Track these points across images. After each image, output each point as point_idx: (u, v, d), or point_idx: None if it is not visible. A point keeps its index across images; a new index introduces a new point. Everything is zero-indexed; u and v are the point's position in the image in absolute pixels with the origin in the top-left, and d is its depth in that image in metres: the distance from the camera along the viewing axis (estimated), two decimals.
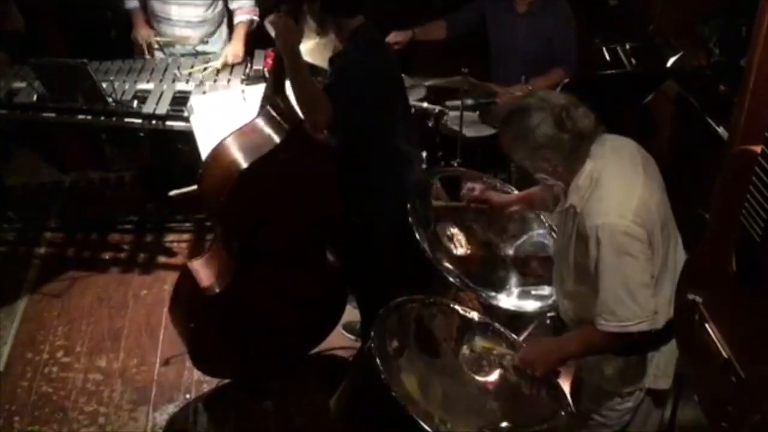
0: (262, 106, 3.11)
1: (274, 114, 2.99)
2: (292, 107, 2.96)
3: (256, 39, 4.31)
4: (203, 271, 3.21)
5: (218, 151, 3.00)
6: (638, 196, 2.17)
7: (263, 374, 3.46)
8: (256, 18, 4.30)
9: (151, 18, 4.35)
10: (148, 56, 4.26)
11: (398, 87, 3.18)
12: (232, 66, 4.17)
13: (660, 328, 2.28)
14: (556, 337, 2.58)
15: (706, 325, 1.86)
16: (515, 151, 2.27)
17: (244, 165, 2.88)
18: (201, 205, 3.24)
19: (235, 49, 4.23)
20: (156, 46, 4.32)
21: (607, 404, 2.45)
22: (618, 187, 2.19)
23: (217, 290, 3.11)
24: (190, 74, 4.08)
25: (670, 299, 2.25)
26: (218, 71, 4.13)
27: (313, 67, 3.50)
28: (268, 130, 2.97)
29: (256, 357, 3.35)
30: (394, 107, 3.10)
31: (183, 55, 4.33)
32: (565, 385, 2.54)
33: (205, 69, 4.11)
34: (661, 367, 2.38)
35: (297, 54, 2.83)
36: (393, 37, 4.13)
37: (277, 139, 2.92)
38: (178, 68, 4.11)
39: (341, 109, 2.88)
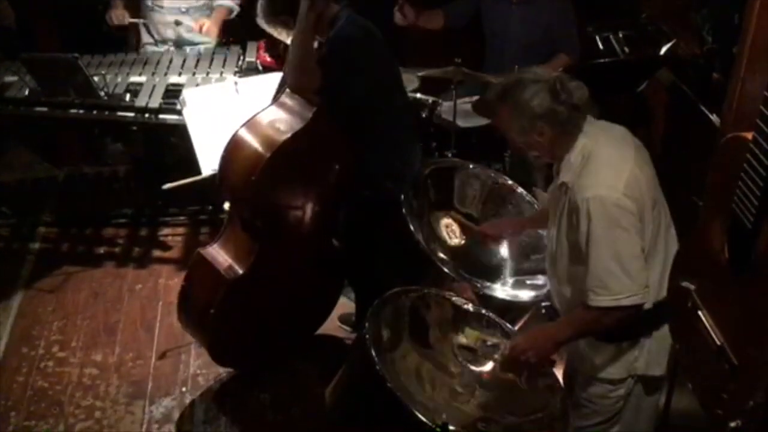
0: (282, 87, 3.16)
1: (295, 95, 3.06)
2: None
3: (248, 31, 4.30)
4: (220, 257, 3.22)
5: (243, 134, 3.05)
6: (629, 170, 2.20)
7: (272, 360, 3.47)
8: (236, 8, 4.35)
9: (142, 8, 4.35)
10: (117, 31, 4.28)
11: (390, 60, 3.20)
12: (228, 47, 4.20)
13: (650, 312, 2.28)
14: (548, 323, 2.58)
15: (699, 313, 1.86)
16: (512, 124, 2.29)
17: (277, 143, 2.94)
18: (221, 188, 3.25)
19: (209, 27, 4.31)
20: (126, 22, 4.33)
21: (599, 392, 2.45)
22: (609, 161, 2.22)
23: (241, 272, 3.14)
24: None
25: (660, 281, 2.26)
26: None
27: None
28: (295, 110, 3.04)
29: (269, 342, 3.38)
30: (387, 76, 3.14)
31: (175, 41, 4.35)
32: (559, 374, 2.54)
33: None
34: (653, 353, 2.38)
35: (312, 19, 2.88)
36: (406, 10, 4.11)
37: (304, 118, 2.98)
38: (171, 60, 4.12)
39: (338, 79, 2.94)
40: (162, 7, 4.31)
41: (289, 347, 3.50)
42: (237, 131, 3.06)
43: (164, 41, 4.41)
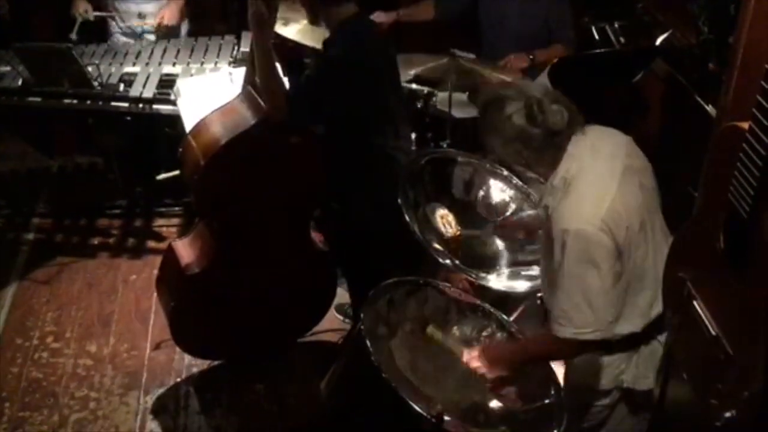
0: (243, 87, 3.11)
1: (254, 94, 2.99)
2: None
3: (242, 21, 4.27)
4: (185, 251, 3.23)
5: (197, 131, 3.03)
6: (609, 201, 2.13)
7: (248, 356, 3.47)
8: None
9: None
10: (75, 36, 4.19)
11: (387, 79, 3.11)
12: (167, 30, 4.22)
13: (638, 334, 2.27)
14: (508, 344, 2.57)
15: (694, 302, 1.86)
16: (490, 141, 2.25)
17: (220, 144, 2.90)
18: (183, 184, 3.24)
19: (171, 10, 4.28)
20: (91, 17, 4.28)
21: (584, 400, 2.43)
22: (590, 192, 2.15)
23: (197, 270, 3.14)
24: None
25: (651, 303, 2.25)
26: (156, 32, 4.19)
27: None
28: (246, 110, 2.98)
29: (241, 339, 3.37)
30: (378, 101, 3.05)
31: (143, 33, 4.33)
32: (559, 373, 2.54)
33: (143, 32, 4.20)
34: (641, 368, 2.35)
35: (266, 46, 2.79)
36: (376, 17, 4.09)
37: (253, 118, 2.92)
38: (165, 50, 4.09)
39: (322, 98, 2.87)
40: None
41: (277, 344, 3.51)
42: (192, 128, 3.04)
43: (132, 32, 4.38)
